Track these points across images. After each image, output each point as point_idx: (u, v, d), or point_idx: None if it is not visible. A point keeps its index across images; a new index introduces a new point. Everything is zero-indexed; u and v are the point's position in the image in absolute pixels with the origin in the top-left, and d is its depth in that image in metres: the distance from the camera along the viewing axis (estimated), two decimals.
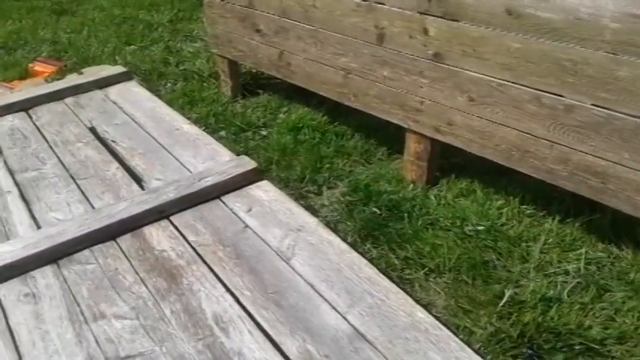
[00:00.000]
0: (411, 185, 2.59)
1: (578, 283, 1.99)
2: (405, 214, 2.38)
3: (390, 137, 2.80)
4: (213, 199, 2.23)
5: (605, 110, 1.81)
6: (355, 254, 1.92)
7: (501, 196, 2.44)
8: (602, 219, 2.21)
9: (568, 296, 1.94)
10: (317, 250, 1.94)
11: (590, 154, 1.90)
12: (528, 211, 2.35)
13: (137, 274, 1.89)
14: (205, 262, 1.93)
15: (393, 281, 1.94)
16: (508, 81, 2.04)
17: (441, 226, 2.31)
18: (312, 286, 1.79)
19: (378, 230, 2.31)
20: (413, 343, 1.58)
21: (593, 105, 1.84)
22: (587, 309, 1.90)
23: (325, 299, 1.75)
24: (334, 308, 1.71)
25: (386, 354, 1.56)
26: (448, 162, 2.66)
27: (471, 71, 2.14)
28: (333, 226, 2.37)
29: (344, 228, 2.37)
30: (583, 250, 2.13)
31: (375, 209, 2.43)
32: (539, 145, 2.04)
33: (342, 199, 2.55)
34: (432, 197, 2.49)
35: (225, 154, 2.53)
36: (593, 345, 1.77)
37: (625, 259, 2.08)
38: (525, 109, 2.03)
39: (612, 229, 2.18)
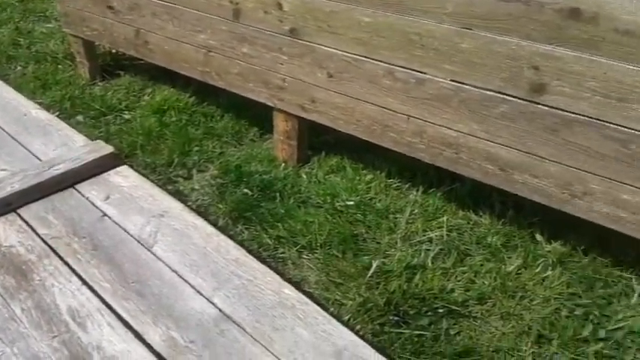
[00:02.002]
0: (283, 165, 2.60)
1: (440, 249, 2.11)
2: (277, 194, 2.39)
3: (261, 117, 2.79)
4: (66, 188, 2.09)
5: (453, 82, 1.90)
6: (222, 237, 1.89)
7: (369, 171, 2.52)
8: (462, 188, 2.35)
9: (432, 263, 2.05)
10: (181, 235, 1.89)
11: (443, 126, 2.00)
12: (395, 185, 2.45)
13: None
14: (59, 256, 1.81)
15: (265, 261, 1.94)
16: (362, 56, 2.08)
17: (313, 204, 2.35)
18: (176, 273, 1.75)
19: (249, 211, 2.30)
20: (280, 320, 1.60)
21: (441, 78, 1.92)
22: (450, 273, 2.02)
23: (190, 284, 1.71)
24: (199, 293, 1.68)
25: (253, 333, 1.56)
26: (319, 140, 2.70)
27: (327, 47, 2.17)
28: (204, 210, 2.33)
29: (215, 211, 2.34)
30: (445, 219, 2.25)
31: (246, 190, 2.42)
32: (396, 119, 2.11)
33: (212, 181, 2.50)
34: (304, 176, 2.52)
35: (79, 140, 2.38)
36: (455, 307, 1.88)
37: (483, 225, 2.23)
38: (381, 83, 2.09)
39: (471, 197, 2.33)
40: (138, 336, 1.56)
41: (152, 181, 2.27)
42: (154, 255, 1.82)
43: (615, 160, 1.67)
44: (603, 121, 1.65)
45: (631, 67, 1.54)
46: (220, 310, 1.63)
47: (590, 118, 1.67)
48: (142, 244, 1.86)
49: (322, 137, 2.71)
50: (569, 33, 1.60)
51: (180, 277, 1.74)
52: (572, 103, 1.68)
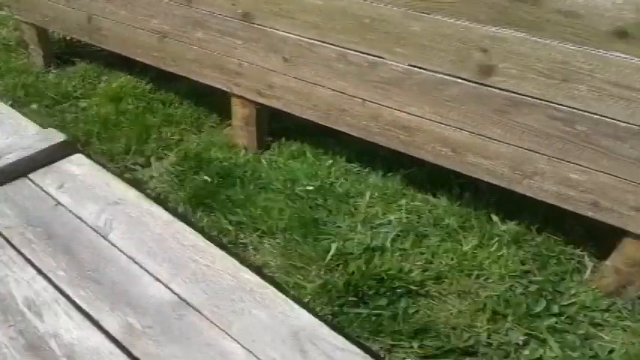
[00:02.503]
0: (243, 151, 2.62)
1: (400, 231, 2.17)
2: (237, 180, 2.42)
3: (220, 103, 2.80)
4: (19, 177, 2.07)
5: (405, 66, 1.95)
6: (180, 224, 1.90)
7: (330, 156, 2.56)
8: (421, 171, 2.41)
9: (391, 245, 2.11)
10: (137, 222, 1.89)
11: (397, 109, 2.05)
12: (355, 169, 2.50)
13: None
14: (12, 245, 1.79)
15: (226, 247, 1.97)
16: (316, 39, 2.11)
17: (273, 189, 2.38)
18: (132, 260, 1.75)
19: (209, 198, 2.32)
20: (238, 304, 1.62)
21: (393, 61, 1.96)
22: (408, 254, 2.08)
23: (147, 271, 1.72)
24: (157, 279, 1.69)
25: (210, 317, 1.58)
26: (279, 126, 2.73)
27: (281, 31, 2.19)
28: (163, 198, 2.34)
29: (175, 198, 2.35)
30: (404, 202, 2.32)
31: (206, 177, 2.44)
32: (352, 103, 2.15)
33: (171, 169, 2.51)
34: (264, 162, 2.55)
35: (31, 129, 2.34)
36: (413, 287, 1.94)
37: (441, 206, 2.30)
38: (335, 67, 2.12)
39: (429, 179, 2.39)
40: (95, 323, 1.56)
41: (109, 169, 2.26)
42: (110, 243, 1.82)
43: (562, 140, 1.74)
44: (549, 101, 1.72)
45: (574, 47, 1.60)
46: (178, 295, 1.65)
47: (537, 99, 1.73)
48: (97, 233, 1.86)
49: (282, 123, 2.73)
50: (515, 14, 1.65)
51: (137, 264, 1.75)
52: (519, 84, 1.74)
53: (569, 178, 1.80)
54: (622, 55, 1.54)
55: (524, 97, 1.76)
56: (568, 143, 1.75)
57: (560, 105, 1.71)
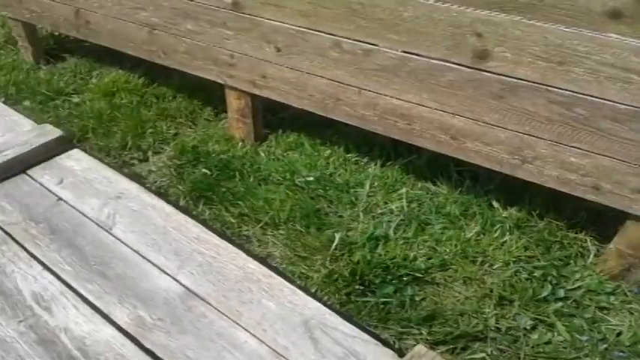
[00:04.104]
0: (240, 143, 2.67)
1: (402, 220, 2.23)
2: (236, 173, 2.47)
3: (214, 96, 2.85)
4: (18, 173, 2.12)
5: (399, 52, 1.99)
6: (182, 216, 1.96)
7: (327, 146, 2.62)
8: (419, 160, 2.48)
9: (394, 233, 2.17)
10: (140, 215, 1.95)
11: (394, 97, 2.09)
12: (353, 159, 2.55)
13: None
14: (17, 242, 1.85)
15: (228, 238, 2.02)
16: (308, 28, 2.13)
17: (273, 181, 2.43)
18: (137, 252, 1.81)
19: (210, 191, 2.37)
20: (246, 294, 1.68)
21: (387, 48, 2.00)
22: (411, 243, 2.14)
23: (153, 263, 1.78)
24: (163, 271, 1.75)
25: (220, 307, 1.64)
26: (275, 117, 2.78)
27: (272, 20, 2.21)
28: (163, 192, 2.39)
29: (175, 192, 2.40)
30: (404, 190, 2.38)
31: (205, 170, 2.48)
32: (348, 92, 2.19)
33: (169, 163, 2.56)
34: (262, 153, 2.60)
35: (26, 125, 2.39)
36: (418, 274, 2.00)
37: (442, 195, 2.36)
38: (329, 56, 2.15)
39: (428, 168, 2.45)
40: (105, 316, 1.62)
41: (107, 164, 2.31)
42: (114, 236, 1.88)
43: (561, 123, 1.80)
44: (546, 85, 1.76)
45: (569, 30, 1.64)
46: (186, 287, 1.71)
47: (534, 82, 1.78)
48: (100, 227, 1.91)
49: (277, 115, 2.79)
50: None
51: (143, 256, 1.80)
52: (515, 68, 1.79)
53: (570, 162, 1.86)
54: (617, 37, 1.58)
55: (521, 81, 1.80)
56: (567, 127, 1.80)
57: (558, 88, 1.75)
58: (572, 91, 1.73)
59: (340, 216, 2.27)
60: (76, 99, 2.99)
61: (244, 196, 2.33)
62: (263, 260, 1.98)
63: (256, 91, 2.48)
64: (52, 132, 2.28)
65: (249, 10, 2.25)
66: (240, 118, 2.63)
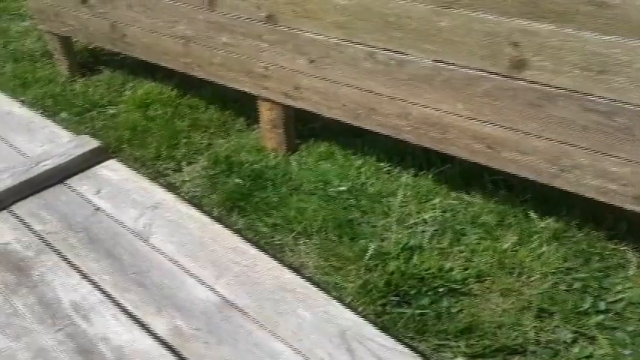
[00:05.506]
0: (272, 153, 2.68)
1: (435, 230, 2.20)
2: (269, 182, 2.47)
3: (246, 106, 2.86)
4: (56, 183, 2.16)
5: (434, 62, 1.98)
6: (218, 226, 1.97)
7: (359, 156, 2.60)
8: (453, 169, 2.44)
9: (428, 243, 2.14)
10: (177, 225, 1.97)
11: (427, 107, 2.07)
12: (385, 169, 2.54)
13: None
14: (56, 251, 1.88)
15: (262, 248, 2.02)
16: (342, 39, 2.14)
17: (305, 191, 2.43)
18: (175, 262, 1.82)
19: (243, 200, 2.37)
20: (282, 304, 1.68)
21: (421, 58, 1.99)
22: (447, 253, 2.11)
23: (191, 273, 1.79)
24: (201, 281, 1.76)
25: (257, 318, 1.64)
26: (306, 128, 2.78)
27: (306, 32, 2.22)
28: (197, 201, 2.40)
29: (209, 202, 2.41)
30: (438, 200, 2.35)
31: (238, 180, 2.49)
32: (381, 101, 2.19)
33: (203, 173, 2.58)
34: (294, 163, 2.60)
35: (65, 136, 2.43)
36: (455, 286, 1.97)
37: (476, 204, 2.33)
38: (362, 66, 2.15)
39: (462, 177, 2.42)
40: (143, 326, 1.63)
41: (142, 174, 2.33)
42: (152, 246, 1.89)
43: (601, 132, 1.77)
44: (585, 94, 1.73)
45: (608, 38, 1.62)
46: (223, 297, 1.71)
47: (573, 91, 1.75)
48: (138, 236, 1.93)
49: (308, 125, 2.79)
50: (545, 7, 1.68)
51: (180, 266, 1.81)
52: (553, 77, 1.76)
53: (610, 171, 1.82)
54: None
55: (559, 90, 1.78)
56: (607, 136, 1.77)
57: (598, 97, 1.72)
58: (612, 100, 1.70)
59: (373, 226, 2.25)
60: (111, 110, 3.03)
61: (277, 206, 2.33)
62: (298, 270, 1.97)
63: (289, 102, 2.49)
64: (89, 143, 2.31)
65: (283, 23, 2.26)
66: (272, 129, 2.64)
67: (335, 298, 1.75)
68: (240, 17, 2.38)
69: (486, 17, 1.79)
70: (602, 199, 1.89)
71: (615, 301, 1.90)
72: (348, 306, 1.79)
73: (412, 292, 1.95)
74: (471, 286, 1.99)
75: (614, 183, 1.83)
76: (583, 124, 1.79)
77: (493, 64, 1.85)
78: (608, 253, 2.07)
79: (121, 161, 2.36)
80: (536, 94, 1.82)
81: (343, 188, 2.42)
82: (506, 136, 1.97)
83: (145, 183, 2.19)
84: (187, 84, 3.09)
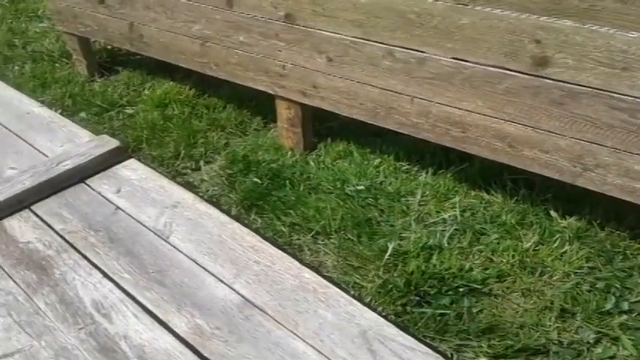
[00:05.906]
0: (290, 152, 2.67)
1: (455, 229, 2.18)
2: (287, 181, 2.46)
3: (263, 106, 2.86)
4: (76, 183, 2.17)
5: (454, 60, 1.96)
6: (237, 225, 1.97)
7: (377, 155, 2.59)
8: (472, 168, 2.42)
9: (448, 243, 2.13)
10: (196, 224, 1.97)
11: (448, 105, 2.06)
12: (404, 167, 2.52)
13: (2, 269, 1.81)
14: (77, 250, 1.89)
15: (281, 247, 2.02)
16: (361, 38, 2.13)
17: (323, 190, 2.42)
18: (194, 261, 1.82)
19: (261, 200, 2.37)
20: (302, 304, 1.67)
21: (442, 56, 1.97)
22: (467, 253, 2.09)
23: (210, 272, 1.78)
24: (220, 280, 1.76)
25: (277, 317, 1.63)
26: (324, 127, 2.77)
27: (324, 30, 2.21)
28: (215, 200, 2.41)
29: (227, 201, 2.41)
30: (457, 199, 2.33)
31: (256, 179, 2.49)
32: (400, 100, 2.17)
33: (221, 172, 2.58)
34: (312, 162, 2.59)
35: (84, 136, 2.45)
36: (475, 285, 1.95)
37: (496, 203, 2.31)
38: (381, 65, 2.14)
39: (481, 176, 2.40)
40: (163, 324, 1.63)
41: (161, 173, 2.34)
42: (171, 245, 1.89)
43: (625, 130, 1.74)
44: (609, 91, 1.71)
45: (633, 35, 1.59)
46: (242, 296, 1.70)
47: (596, 89, 1.72)
48: (158, 235, 1.93)
49: (326, 124, 2.78)
50: (568, 3, 1.65)
51: (200, 265, 1.81)
52: (576, 74, 1.73)
53: (635, 170, 1.79)
54: None
55: (582, 87, 1.75)
56: (631, 133, 1.74)
57: (622, 95, 1.70)
58: (637, 97, 1.67)
59: (392, 225, 2.23)
60: (129, 110, 3.05)
61: (295, 205, 2.33)
62: (316, 270, 1.96)
63: (307, 101, 2.48)
64: (109, 142, 2.32)
65: (301, 22, 2.26)
66: (289, 128, 2.64)
67: (355, 297, 1.74)
68: (257, 17, 2.38)
69: (508, 14, 1.77)
70: (626, 198, 1.86)
71: (639, 301, 1.87)
72: (369, 305, 1.78)
73: (432, 291, 1.93)
74: (491, 286, 1.96)
75: (639, 182, 1.80)
76: (607, 121, 1.76)
77: (515, 62, 1.83)
78: (631, 252, 2.04)
79: (140, 160, 2.37)
80: (559, 91, 1.80)
81: (361, 187, 2.41)
82: (528, 134, 1.94)
83: (164, 182, 2.19)
84: (205, 84, 3.10)
